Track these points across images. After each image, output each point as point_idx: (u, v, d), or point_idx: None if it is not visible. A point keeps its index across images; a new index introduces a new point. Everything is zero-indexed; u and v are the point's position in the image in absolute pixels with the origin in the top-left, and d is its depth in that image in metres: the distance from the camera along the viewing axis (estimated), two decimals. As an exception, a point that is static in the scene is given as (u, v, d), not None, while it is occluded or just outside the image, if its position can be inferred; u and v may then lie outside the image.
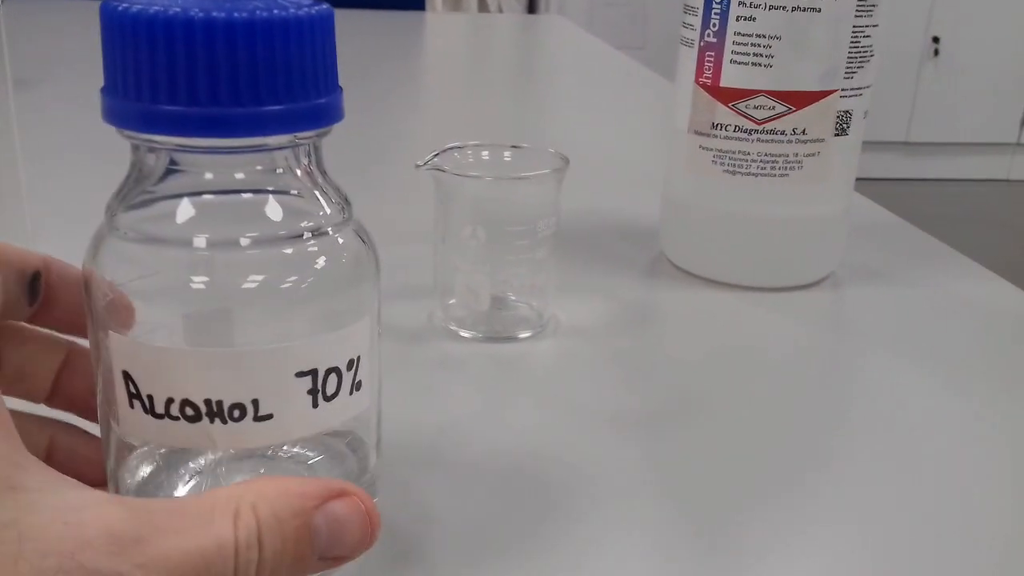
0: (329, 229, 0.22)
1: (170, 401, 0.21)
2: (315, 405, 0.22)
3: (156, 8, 0.19)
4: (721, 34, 0.40)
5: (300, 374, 0.21)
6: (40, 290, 0.23)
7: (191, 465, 0.24)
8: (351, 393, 0.23)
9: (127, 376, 0.21)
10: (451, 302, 0.38)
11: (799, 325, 0.41)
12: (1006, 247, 2.61)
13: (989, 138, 3.30)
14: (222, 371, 0.21)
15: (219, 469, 0.24)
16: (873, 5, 0.39)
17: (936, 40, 3.15)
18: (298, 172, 0.22)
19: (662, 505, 0.28)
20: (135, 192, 0.21)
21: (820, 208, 0.42)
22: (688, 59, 0.42)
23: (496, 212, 0.36)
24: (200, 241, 0.21)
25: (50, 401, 0.25)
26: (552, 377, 0.36)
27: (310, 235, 0.22)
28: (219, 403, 0.21)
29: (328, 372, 0.22)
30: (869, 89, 0.41)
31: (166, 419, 0.21)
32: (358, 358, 0.23)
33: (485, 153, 0.39)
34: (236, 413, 0.21)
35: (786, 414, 0.34)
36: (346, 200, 0.23)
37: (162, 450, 0.24)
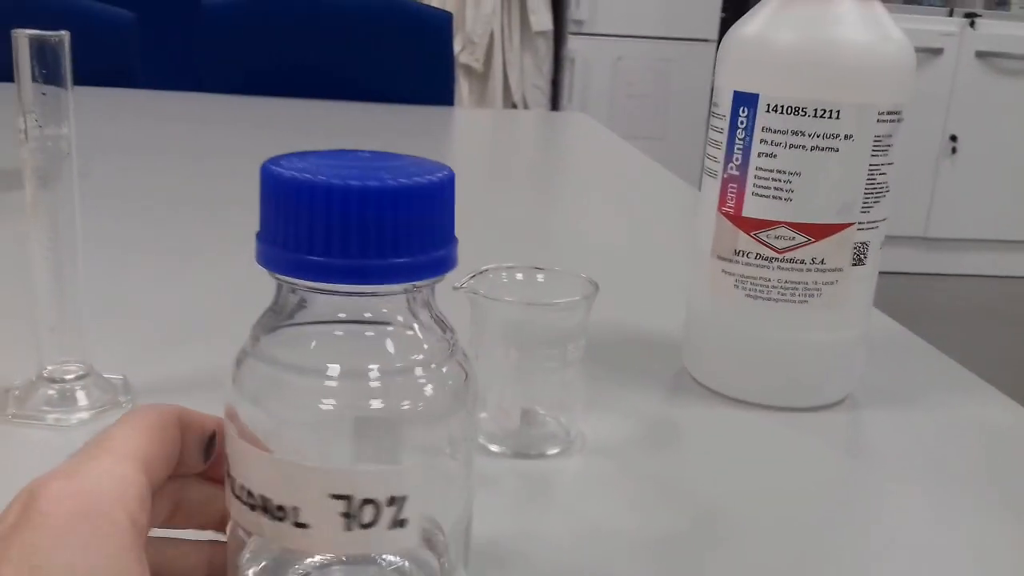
0: (432, 364, 0.25)
1: (241, 486, 0.24)
2: (348, 528, 0.24)
3: (306, 175, 0.22)
4: (743, 168, 0.42)
5: (335, 496, 0.23)
6: (215, 450, 0.27)
7: (297, 567, 0.27)
8: (390, 528, 0.24)
9: (227, 457, 0.25)
10: (483, 416, 0.40)
11: (816, 446, 0.42)
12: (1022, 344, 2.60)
13: (1006, 235, 3.32)
14: (271, 473, 0.24)
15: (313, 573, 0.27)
16: (888, 145, 0.42)
17: (954, 139, 3.20)
18: (415, 312, 0.25)
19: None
20: (275, 321, 0.25)
21: (838, 333, 0.44)
22: (711, 188, 0.44)
23: (528, 334, 0.38)
24: (332, 371, 0.24)
25: (220, 527, 0.28)
26: (579, 496, 0.37)
27: (420, 368, 0.25)
28: (267, 500, 0.24)
29: (364, 502, 0.24)
30: (885, 222, 0.44)
31: (239, 502, 0.24)
32: (403, 498, 0.24)
33: (519, 275, 0.41)
34: (280, 513, 0.24)
35: (803, 538, 0.35)
36: (453, 333, 0.26)
37: (273, 549, 0.26)
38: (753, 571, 0.32)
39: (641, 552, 0.33)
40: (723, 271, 0.44)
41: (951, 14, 3.14)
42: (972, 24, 3.10)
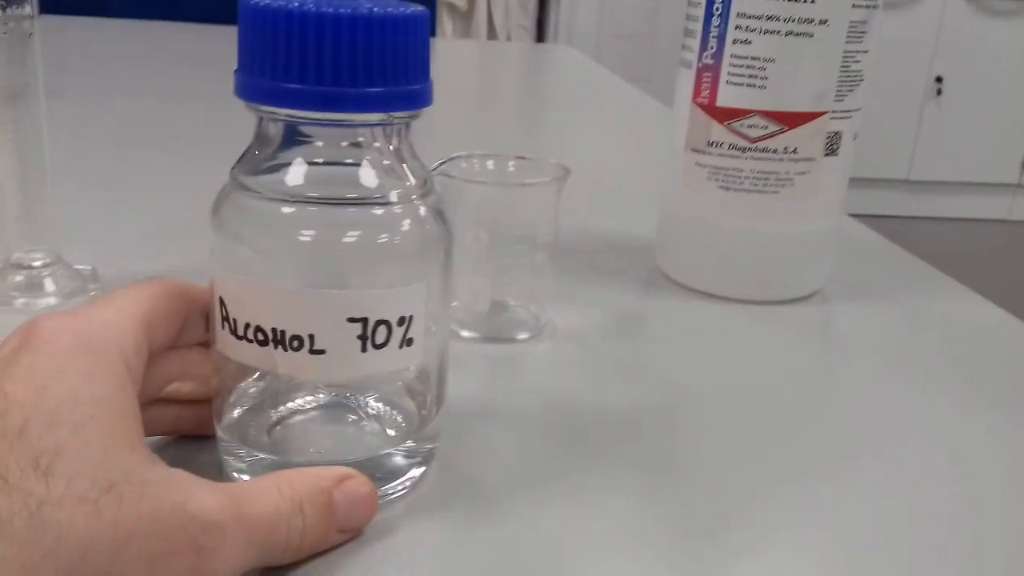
0: (413, 198, 0.26)
1: (247, 326, 0.25)
2: (364, 350, 0.25)
3: (284, 4, 0.23)
4: (718, 56, 0.42)
5: (352, 320, 0.25)
6: None
7: (281, 408, 0.28)
8: (400, 347, 0.26)
9: (222, 302, 0.25)
10: (453, 303, 0.40)
11: (785, 337, 0.42)
12: (1006, 286, 2.63)
13: (990, 178, 3.33)
14: (287, 305, 0.25)
15: (303, 416, 0.29)
16: (863, 32, 0.41)
17: (939, 80, 3.19)
18: (391, 148, 0.26)
19: (649, 502, 0.29)
20: (255, 158, 0.25)
21: (810, 225, 0.44)
22: (686, 79, 0.44)
23: (498, 217, 0.38)
24: (311, 200, 0.25)
25: None
26: (546, 377, 0.37)
27: (397, 201, 0.26)
28: (282, 332, 0.25)
29: (378, 323, 0.25)
30: (859, 112, 0.43)
31: (243, 341, 0.25)
32: (410, 317, 0.26)
33: (490, 162, 0.41)
34: (295, 343, 0.25)
35: (770, 419, 0.35)
36: (430, 176, 0.27)
37: (253, 391, 0.28)
38: (718, 449, 0.33)
39: (605, 422, 0.33)
40: (696, 163, 0.44)
41: (940, -47, 3.11)
42: (961, -37, 3.07)
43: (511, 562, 0.26)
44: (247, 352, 0.25)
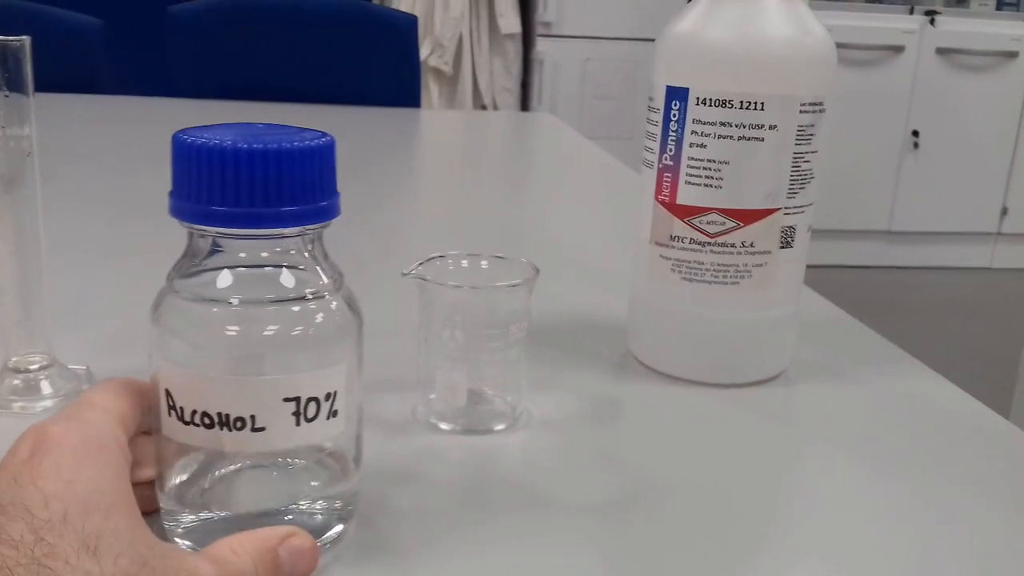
0: (326, 294, 0.30)
1: (194, 412, 0.29)
2: (298, 424, 0.29)
3: (209, 141, 0.28)
4: (677, 158, 0.45)
5: (286, 399, 0.29)
6: None
7: (216, 474, 0.32)
8: (328, 418, 0.30)
9: (168, 393, 0.29)
10: (432, 396, 0.42)
11: (749, 420, 0.44)
12: (990, 333, 2.66)
13: (970, 227, 3.38)
14: (231, 392, 0.29)
15: (236, 476, 0.32)
16: (812, 134, 0.44)
17: (916, 134, 3.26)
18: (305, 254, 0.30)
19: (614, 586, 0.31)
20: (188, 265, 0.30)
21: (769, 312, 0.47)
22: (649, 178, 0.47)
23: (472, 317, 0.40)
24: (235, 301, 0.29)
25: None
26: (524, 468, 0.39)
27: (311, 298, 0.30)
28: (226, 415, 0.29)
29: (308, 400, 0.29)
30: (811, 206, 0.46)
31: (191, 425, 0.29)
32: (335, 393, 0.30)
33: (464, 262, 0.43)
34: (239, 424, 0.29)
35: (735, 502, 0.37)
36: (340, 274, 0.31)
37: (193, 463, 0.31)
38: (687, 532, 0.35)
39: (578, 516, 0.35)
40: (660, 256, 0.46)
41: (912, 11, 3.19)
42: (932, 21, 3.16)
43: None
44: (193, 435, 0.29)
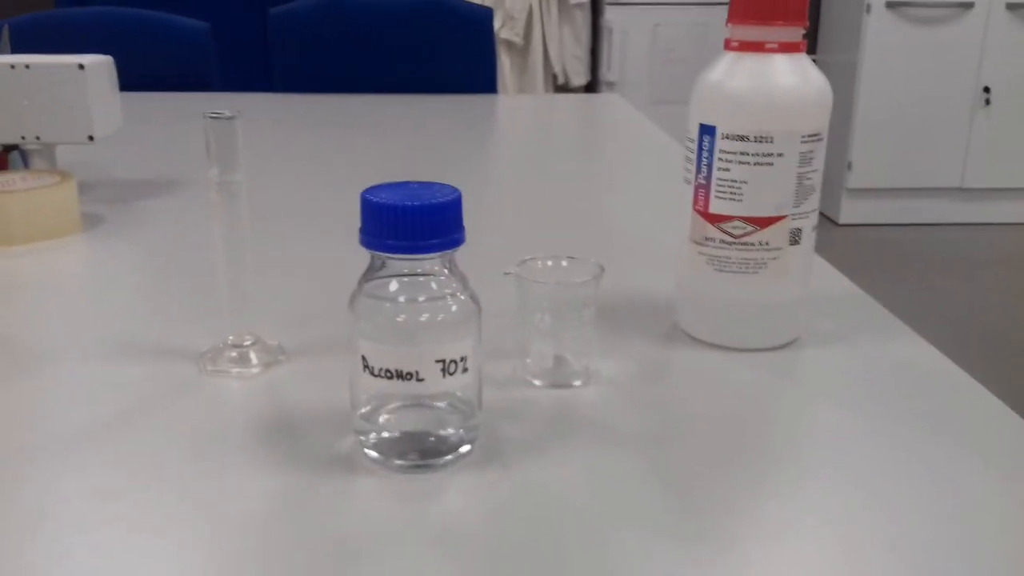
0: (457, 293, 0.46)
1: (379, 369, 0.45)
2: (443, 377, 0.46)
3: (385, 200, 0.44)
4: (708, 178, 0.59)
5: (437, 360, 0.45)
6: None
7: (392, 407, 0.47)
8: (462, 373, 0.46)
9: (363, 357, 0.45)
10: (528, 361, 0.58)
11: (770, 377, 0.59)
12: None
13: (1043, 182, 3.37)
14: (402, 356, 0.45)
15: (404, 410, 0.47)
16: (812, 158, 0.58)
17: (987, 90, 3.26)
18: (444, 267, 0.46)
19: (666, 497, 0.46)
20: (369, 275, 0.46)
21: (782, 296, 0.61)
22: (688, 192, 0.61)
23: (556, 304, 0.56)
24: (401, 299, 0.45)
25: None
26: (595, 412, 0.54)
27: (448, 295, 0.46)
28: (400, 370, 0.45)
29: (450, 361, 0.45)
30: (814, 212, 0.60)
31: (377, 377, 0.45)
32: (465, 357, 0.46)
33: (550, 262, 0.58)
34: (408, 376, 0.45)
35: (755, 435, 0.52)
36: (465, 278, 0.47)
37: (378, 401, 0.48)
38: (719, 456, 0.50)
39: (634, 445, 0.50)
40: (698, 252, 0.61)
41: (982, -33, 3.18)
42: (1004, -25, 3.14)
43: (526, 506, 0.43)
44: (379, 383, 0.45)
